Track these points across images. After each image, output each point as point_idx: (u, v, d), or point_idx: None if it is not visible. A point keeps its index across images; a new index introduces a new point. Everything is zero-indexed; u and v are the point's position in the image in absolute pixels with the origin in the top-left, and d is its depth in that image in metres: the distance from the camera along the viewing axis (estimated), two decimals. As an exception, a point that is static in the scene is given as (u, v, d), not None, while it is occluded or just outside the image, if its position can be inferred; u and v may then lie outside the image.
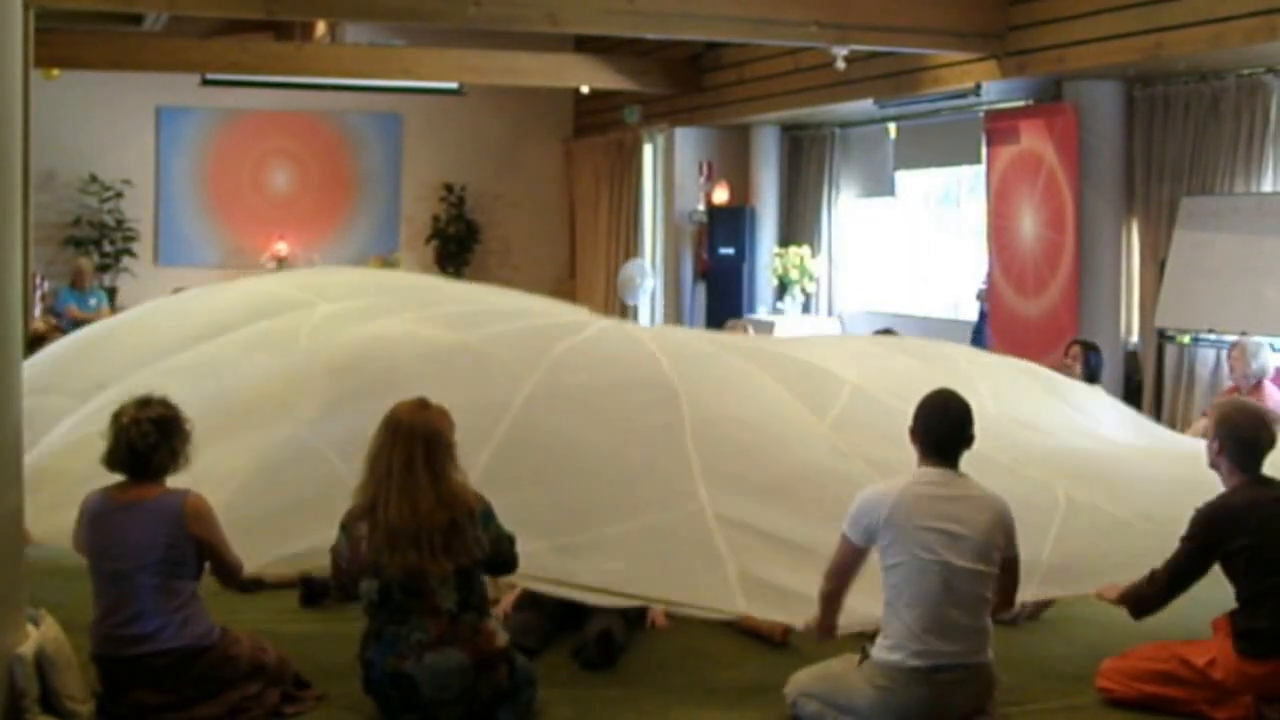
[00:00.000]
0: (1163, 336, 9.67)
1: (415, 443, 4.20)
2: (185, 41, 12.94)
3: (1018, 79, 10.09)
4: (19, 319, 4.25)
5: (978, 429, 4.41)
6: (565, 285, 16.34)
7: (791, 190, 14.15)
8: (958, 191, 12.83)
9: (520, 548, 4.44)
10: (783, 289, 13.66)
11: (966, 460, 4.42)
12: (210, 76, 13.13)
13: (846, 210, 13.60)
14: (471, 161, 16.24)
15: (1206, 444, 4.72)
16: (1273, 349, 8.15)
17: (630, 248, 14.86)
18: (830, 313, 13.66)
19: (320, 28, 13.40)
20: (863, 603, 4.43)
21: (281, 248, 15.48)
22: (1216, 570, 4.67)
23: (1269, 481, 4.66)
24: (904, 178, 12.94)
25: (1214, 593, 4.85)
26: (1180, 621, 5.33)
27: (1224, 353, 9.20)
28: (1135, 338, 10.14)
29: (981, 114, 11.04)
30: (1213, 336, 9.27)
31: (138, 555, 4.28)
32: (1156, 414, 9.65)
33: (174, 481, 4.43)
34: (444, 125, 16.01)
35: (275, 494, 4.87)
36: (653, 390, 5.48)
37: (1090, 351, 8.28)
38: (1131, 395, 9.54)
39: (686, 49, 13.51)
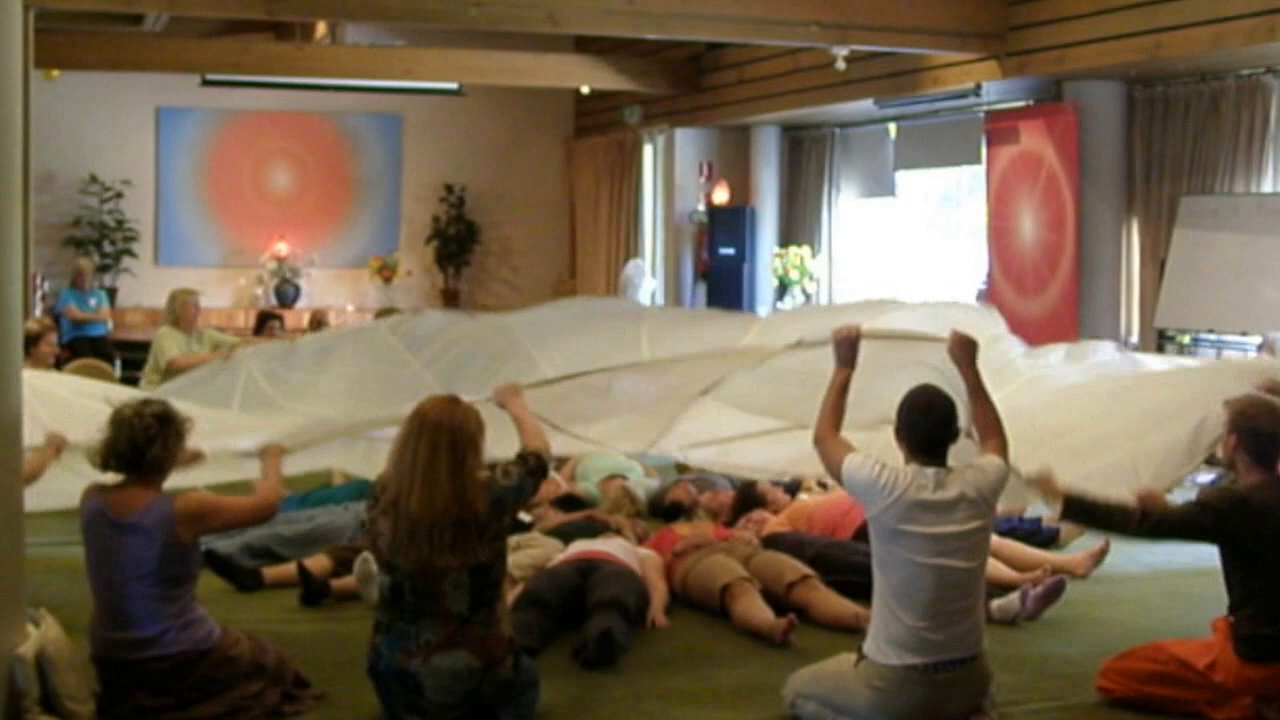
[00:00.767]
0: (1163, 336, 9.66)
1: (441, 436, 4.20)
2: (185, 42, 12.94)
3: (1018, 79, 10.10)
4: (19, 319, 4.25)
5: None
6: (565, 285, 16.34)
7: (792, 190, 14.15)
8: (958, 192, 12.83)
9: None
10: (783, 289, 13.66)
11: None
12: (210, 77, 13.12)
13: (847, 210, 13.60)
14: (471, 162, 16.24)
15: (1223, 438, 4.65)
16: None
17: (630, 248, 14.86)
18: (830, 313, 13.65)
19: (320, 28, 13.40)
20: None
21: (281, 248, 15.48)
22: (1215, 569, 4.67)
23: None
24: (904, 178, 12.94)
25: (1214, 591, 4.86)
26: (1180, 620, 5.34)
27: (1224, 353, 9.21)
28: (1135, 338, 10.14)
29: (982, 114, 11.04)
30: (1212, 336, 9.27)
31: (132, 568, 4.27)
32: (1157, 414, 9.65)
33: None
34: (444, 126, 16.01)
35: None
36: None
37: None
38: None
39: (687, 49, 13.52)
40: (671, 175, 14.54)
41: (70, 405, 5.44)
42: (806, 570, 5.72)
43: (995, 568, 5.65)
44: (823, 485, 7.13)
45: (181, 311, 9.32)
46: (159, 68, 12.94)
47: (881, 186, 13.14)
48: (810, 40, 10.01)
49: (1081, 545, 6.65)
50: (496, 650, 4.25)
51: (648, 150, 14.74)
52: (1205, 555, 5.79)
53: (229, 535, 5.91)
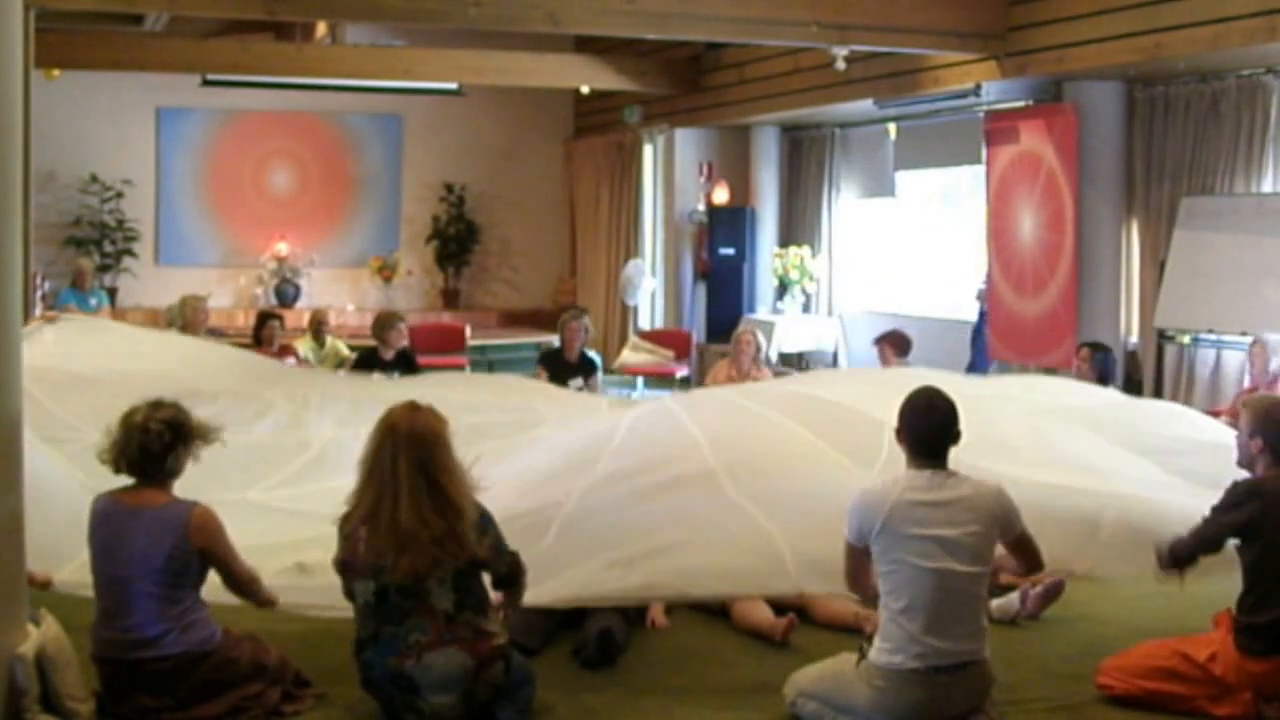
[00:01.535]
0: (1162, 336, 9.67)
1: (419, 446, 4.21)
2: (186, 42, 12.94)
3: (1018, 79, 10.10)
4: (19, 319, 4.25)
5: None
6: (565, 285, 16.35)
7: (792, 190, 14.16)
8: (958, 192, 12.83)
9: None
10: (783, 289, 13.67)
11: None
12: (211, 77, 13.13)
13: (846, 210, 13.60)
14: (471, 162, 16.24)
15: (1239, 440, 4.66)
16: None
17: (630, 248, 14.87)
18: (830, 313, 13.66)
19: (321, 28, 13.40)
20: None
21: (282, 248, 15.48)
22: (1216, 568, 4.68)
23: None
24: (904, 178, 12.94)
25: (1214, 590, 4.86)
26: (1180, 620, 5.34)
27: (1224, 353, 9.22)
28: (1135, 338, 10.15)
29: (981, 114, 11.04)
30: (1212, 336, 9.27)
31: (138, 563, 4.27)
32: (1156, 414, 9.65)
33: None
34: (444, 126, 16.01)
35: None
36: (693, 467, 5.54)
37: (1100, 353, 8.29)
38: (1131, 395, 9.54)
39: (687, 49, 13.52)
40: (671, 175, 14.55)
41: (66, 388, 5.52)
42: None
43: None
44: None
45: (192, 318, 9.35)
46: (159, 67, 12.95)
47: (881, 186, 13.15)
48: (810, 40, 10.02)
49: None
50: (488, 652, 4.25)
51: (648, 150, 14.75)
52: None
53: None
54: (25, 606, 4.26)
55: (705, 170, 14.47)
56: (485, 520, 4.30)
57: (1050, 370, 10.24)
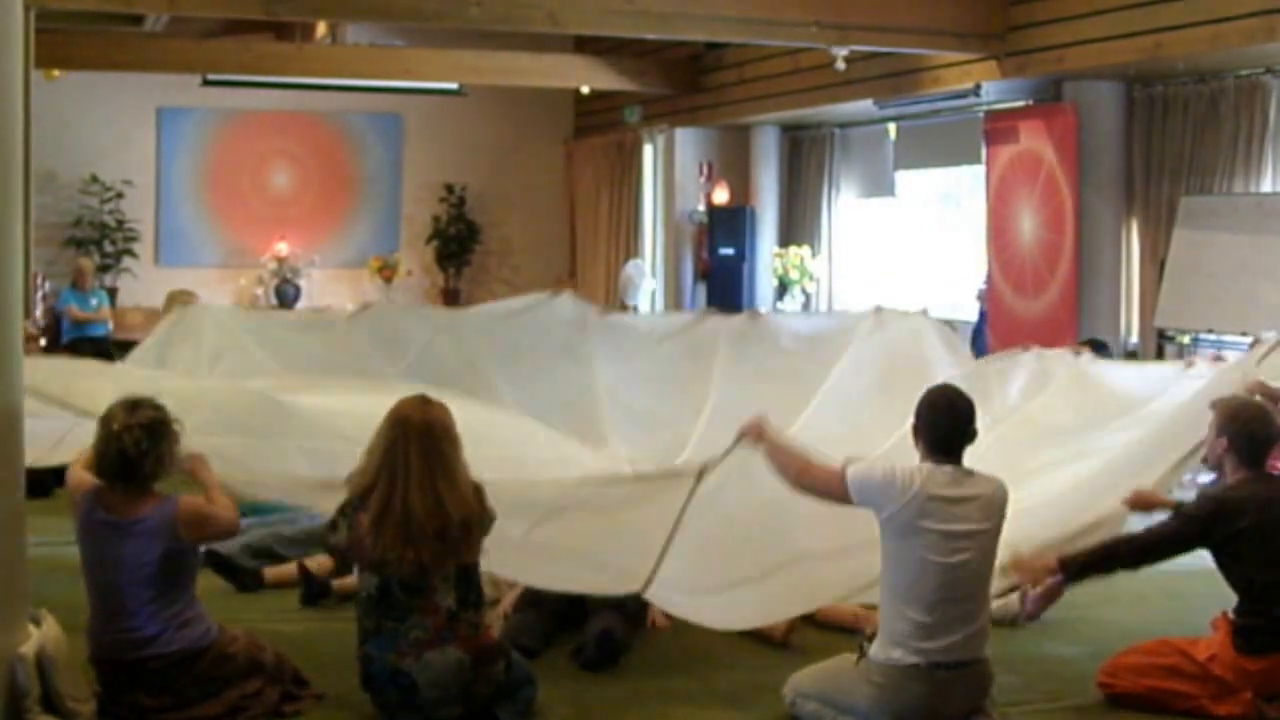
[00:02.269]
0: (1162, 336, 9.67)
1: (432, 439, 4.22)
2: (186, 42, 12.94)
3: (1017, 79, 10.10)
4: (19, 319, 4.26)
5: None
6: (565, 285, 16.31)
7: (791, 190, 14.15)
8: (958, 192, 12.83)
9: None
10: (783, 289, 13.66)
11: None
12: (211, 77, 13.13)
13: (846, 210, 13.60)
14: (472, 162, 16.24)
15: (1209, 441, 4.69)
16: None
17: (630, 248, 14.86)
18: (830, 313, 13.66)
19: (321, 28, 13.39)
20: None
21: (282, 248, 15.47)
22: (1216, 570, 4.69)
23: (1272, 478, 4.67)
24: (904, 178, 12.94)
25: (1214, 591, 4.86)
26: (1181, 620, 5.35)
27: (1223, 353, 9.21)
28: (1135, 338, 10.15)
29: (981, 114, 11.04)
30: (1212, 336, 9.26)
31: (131, 570, 4.27)
32: (1156, 414, 9.65)
33: None
34: (444, 126, 16.01)
35: None
36: None
37: (1101, 351, 8.31)
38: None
39: (686, 49, 13.51)
40: (671, 175, 14.54)
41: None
42: None
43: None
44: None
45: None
46: (159, 68, 12.95)
47: (881, 186, 13.15)
48: (810, 40, 10.01)
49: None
50: (487, 650, 4.26)
51: (647, 150, 14.74)
52: (1205, 556, 5.83)
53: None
54: (25, 607, 4.26)
55: (705, 170, 14.47)
56: (490, 519, 4.30)
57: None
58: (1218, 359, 7.55)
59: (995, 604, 5.38)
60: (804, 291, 13.58)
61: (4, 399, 4.11)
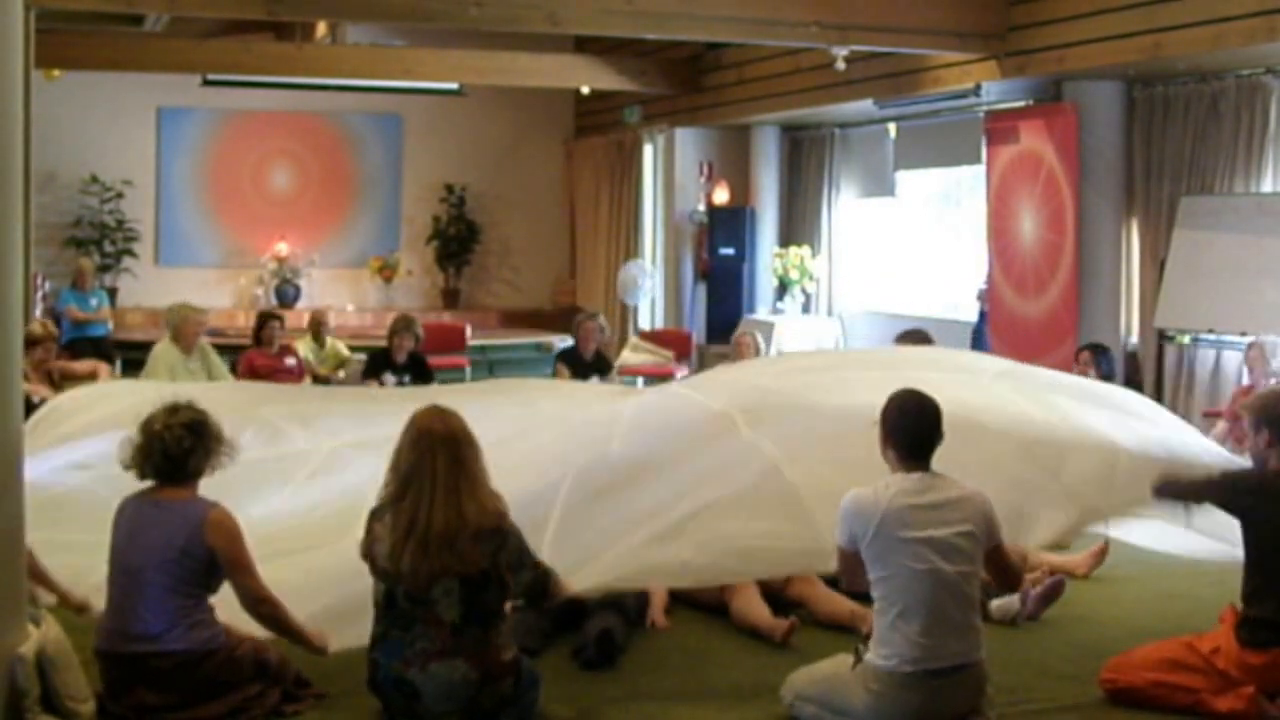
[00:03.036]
0: (1163, 337, 9.67)
1: (457, 447, 4.24)
2: (186, 42, 12.94)
3: (1018, 79, 10.10)
4: (19, 319, 4.25)
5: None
6: (565, 285, 16.35)
7: (792, 190, 14.16)
8: (958, 192, 12.83)
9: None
10: (783, 289, 13.67)
11: None
12: (211, 77, 13.13)
13: (846, 210, 13.60)
14: (472, 162, 16.24)
15: (1250, 437, 4.71)
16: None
17: (630, 248, 14.87)
18: (830, 313, 13.66)
19: (321, 28, 13.40)
20: None
21: (282, 248, 15.48)
22: (1217, 569, 4.69)
23: None
24: (904, 178, 12.95)
25: (1215, 592, 4.86)
26: (1182, 621, 5.34)
27: (1224, 353, 9.21)
28: (1135, 338, 10.15)
29: (981, 114, 11.04)
30: (1212, 337, 9.27)
31: (151, 553, 4.29)
32: (1156, 414, 9.64)
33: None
34: (444, 126, 16.02)
35: None
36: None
37: (1102, 355, 8.31)
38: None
39: (687, 49, 13.52)
40: (671, 175, 14.55)
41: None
42: None
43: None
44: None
45: (181, 326, 9.32)
46: (160, 68, 12.95)
47: (881, 186, 13.15)
48: (810, 40, 10.01)
49: (1082, 545, 6.64)
50: (496, 666, 4.24)
51: (648, 150, 14.74)
52: (1206, 556, 5.84)
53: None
54: (26, 607, 4.26)
55: (705, 170, 14.47)
56: (505, 530, 4.27)
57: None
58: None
59: (995, 605, 5.41)
60: (804, 292, 13.59)
61: (5, 401, 4.11)
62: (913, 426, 4.32)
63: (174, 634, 4.29)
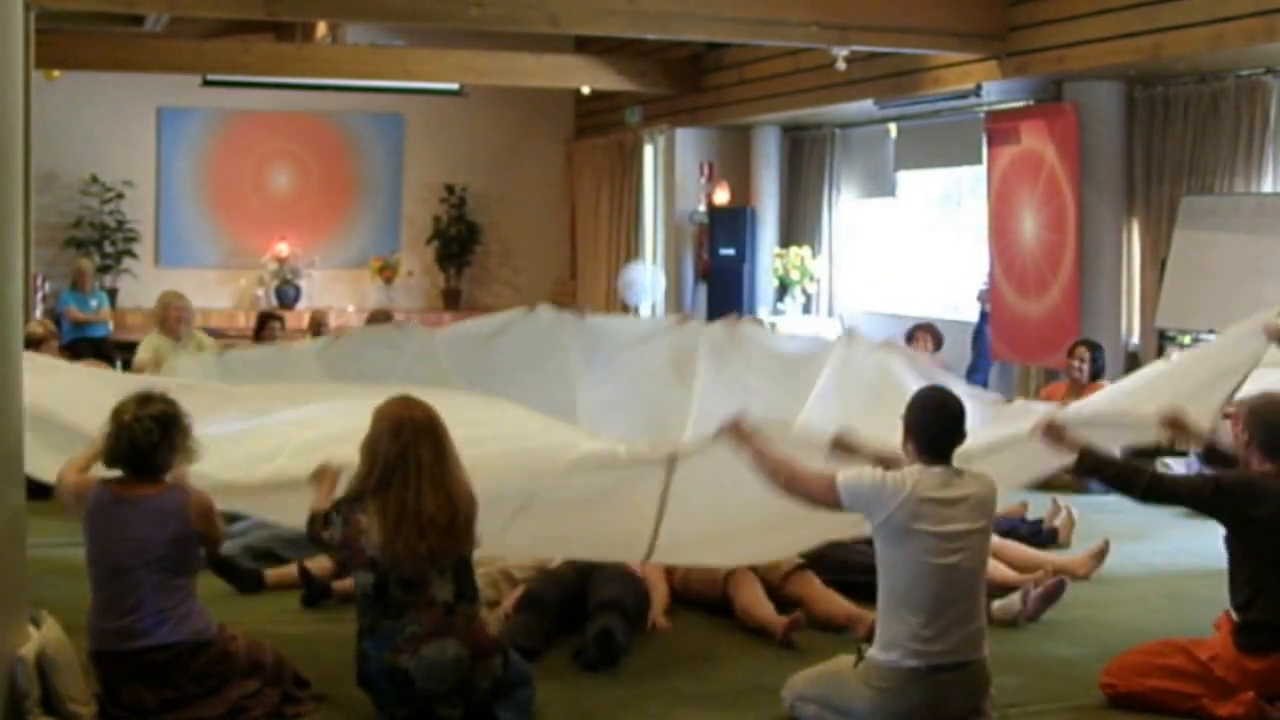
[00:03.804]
0: (1164, 337, 9.66)
1: (438, 434, 4.26)
2: (186, 42, 12.94)
3: (1018, 79, 10.10)
4: (19, 320, 4.24)
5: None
6: (566, 286, 16.34)
7: (792, 191, 14.15)
8: (958, 192, 12.83)
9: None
10: (783, 290, 13.66)
11: None
12: (211, 77, 13.13)
13: (847, 211, 13.60)
14: (472, 162, 16.24)
15: (1235, 437, 4.72)
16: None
17: (631, 249, 14.87)
18: (831, 313, 13.66)
19: (321, 28, 13.39)
20: None
21: (282, 249, 15.47)
22: (1218, 569, 4.68)
23: None
24: (905, 178, 12.94)
25: (1215, 593, 4.86)
26: (1182, 622, 5.34)
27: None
28: (1136, 338, 10.14)
29: (982, 114, 11.04)
30: (1213, 337, 9.25)
31: (140, 551, 4.28)
32: (1157, 414, 9.64)
33: None
34: (445, 126, 16.01)
35: None
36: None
37: (1097, 351, 8.31)
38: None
39: (687, 49, 13.52)
40: (672, 176, 14.55)
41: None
42: (800, 560, 5.71)
43: (996, 568, 5.65)
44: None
45: (162, 314, 9.32)
46: (160, 68, 12.95)
47: (882, 187, 13.15)
48: (811, 41, 10.02)
49: (1083, 546, 6.65)
50: (484, 642, 4.27)
51: (648, 151, 14.74)
52: (1207, 556, 5.84)
53: (230, 537, 5.90)
54: (26, 608, 4.26)
55: (706, 170, 14.47)
56: (476, 507, 4.32)
57: (1052, 371, 10.25)
58: None
59: (996, 605, 5.40)
60: (804, 292, 13.58)
61: (4, 400, 4.10)
62: (934, 424, 4.32)
63: (166, 627, 4.29)
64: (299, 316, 13.59)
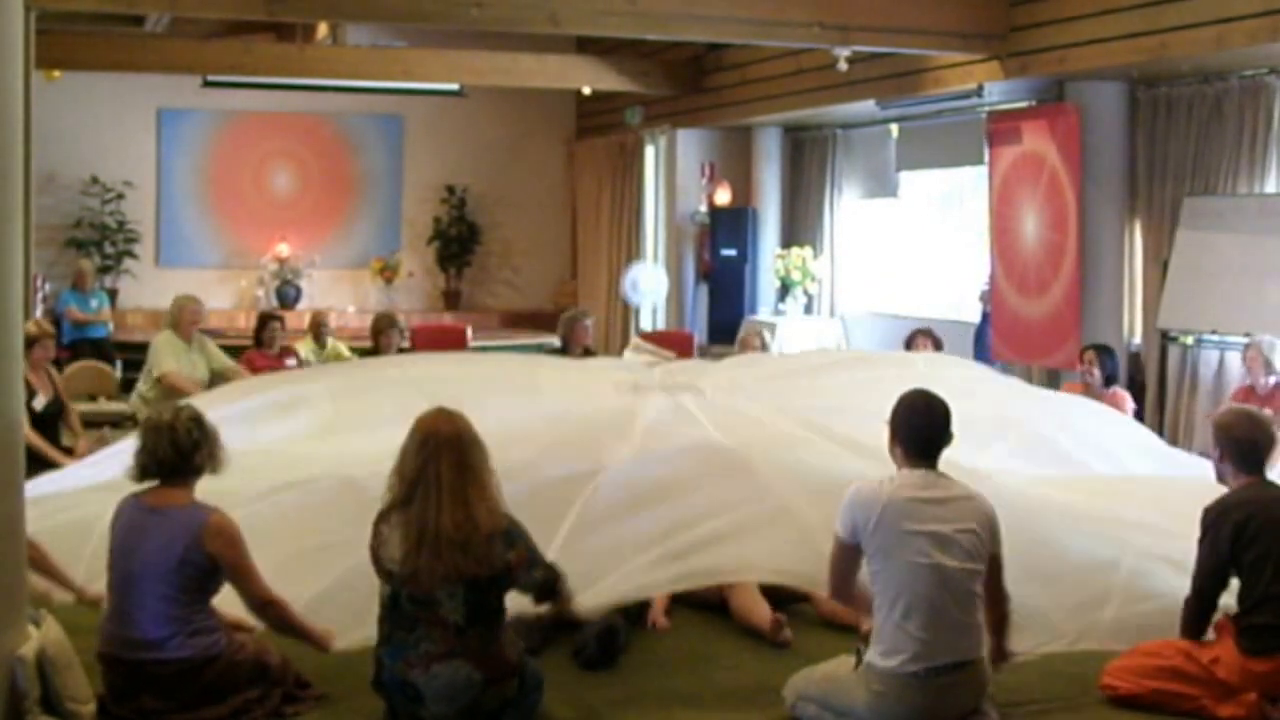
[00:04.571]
0: (1166, 337, 9.65)
1: (462, 449, 4.21)
2: (186, 43, 12.93)
3: (1020, 80, 10.08)
4: (19, 320, 4.24)
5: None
6: (567, 287, 16.34)
7: (794, 191, 14.14)
8: (960, 192, 12.82)
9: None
10: (785, 290, 13.65)
11: None
12: (211, 78, 13.12)
13: (849, 211, 13.58)
14: (473, 163, 16.24)
15: (1214, 458, 4.80)
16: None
17: (632, 249, 14.86)
18: (832, 314, 13.65)
19: (321, 29, 13.39)
20: None
21: (283, 249, 15.47)
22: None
23: (1273, 485, 4.70)
24: (906, 178, 12.93)
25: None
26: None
27: (1227, 354, 9.19)
28: (1138, 339, 10.13)
29: (984, 115, 11.02)
30: (1216, 338, 9.25)
31: (151, 562, 4.28)
32: (1160, 416, 9.64)
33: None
34: (445, 127, 16.01)
35: None
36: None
37: (1105, 355, 8.30)
38: (1134, 397, 9.51)
39: (688, 50, 13.51)
40: (673, 176, 14.53)
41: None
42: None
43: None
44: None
45: (179, 316, 9.33)
46: (160, 69, 12.94)
47: (883, 187, 13.14)
48: (812, 41, 10.00)
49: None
50: (500, 667, 4.22)
51: (649, 151, 14.74)
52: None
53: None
54: (26, 608, 4.25)
55: (707, 171, 14.46)
56: (514, 532, 4.26)
57: (1053, 371, 10.24)
58: None
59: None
60: (806, 293, 13.57)
61: (4, 400, 4.09)
62: (922, 425, 4.32)
63: (174, 642, 4.27)
64: (299, 317, 13.58)
